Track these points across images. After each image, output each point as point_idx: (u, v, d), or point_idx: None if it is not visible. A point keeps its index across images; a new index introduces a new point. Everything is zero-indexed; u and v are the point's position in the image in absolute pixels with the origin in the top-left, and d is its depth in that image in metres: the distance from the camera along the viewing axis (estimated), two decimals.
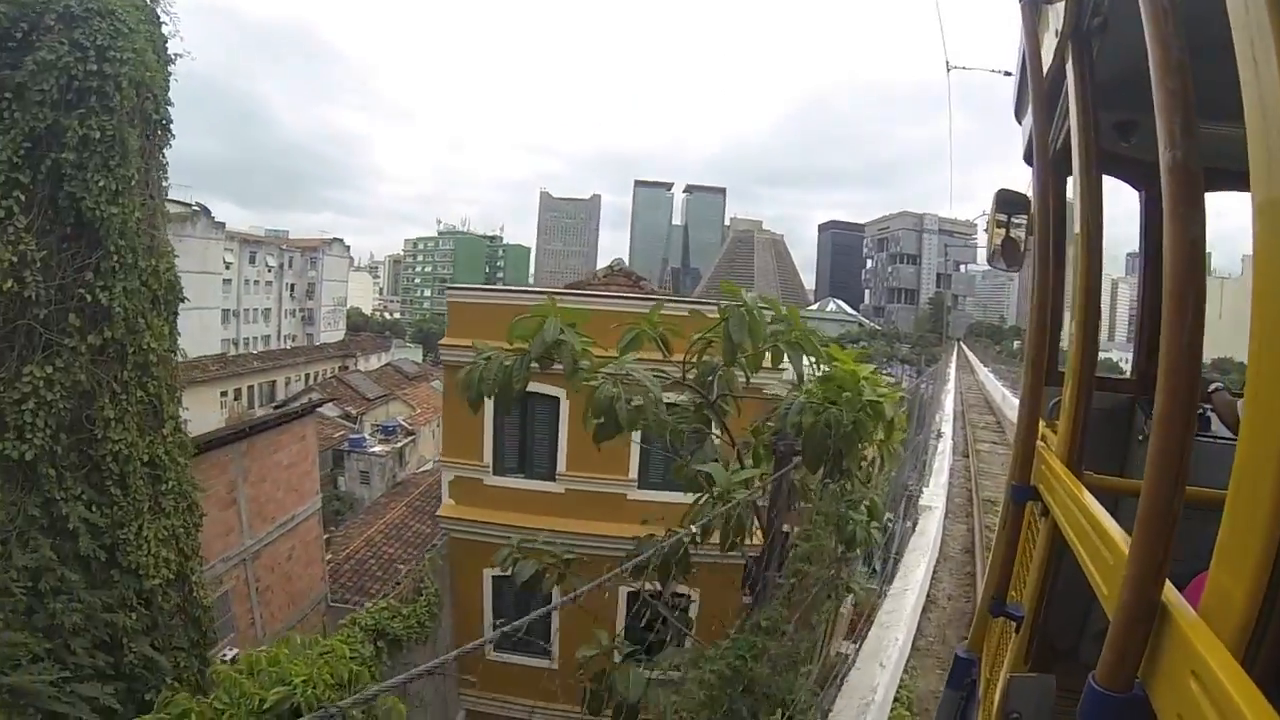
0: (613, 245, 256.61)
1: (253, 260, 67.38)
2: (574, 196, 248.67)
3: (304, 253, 74.00)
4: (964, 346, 69.34)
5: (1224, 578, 0.96)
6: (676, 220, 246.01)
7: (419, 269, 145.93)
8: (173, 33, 9.08)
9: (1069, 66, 2.14)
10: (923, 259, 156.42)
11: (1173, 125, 1.04)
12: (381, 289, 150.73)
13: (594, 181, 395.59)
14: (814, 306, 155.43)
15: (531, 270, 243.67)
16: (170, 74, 9.09)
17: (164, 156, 9.26)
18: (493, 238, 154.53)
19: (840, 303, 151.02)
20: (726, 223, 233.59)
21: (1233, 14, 0.91)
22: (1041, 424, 2.60)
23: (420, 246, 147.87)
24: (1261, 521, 0.86)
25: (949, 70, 16.39)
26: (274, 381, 50.07)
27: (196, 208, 65.03)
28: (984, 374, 38.01)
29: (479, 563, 14.08)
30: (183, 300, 9.57)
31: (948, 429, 18.73)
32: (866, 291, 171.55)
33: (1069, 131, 2.21)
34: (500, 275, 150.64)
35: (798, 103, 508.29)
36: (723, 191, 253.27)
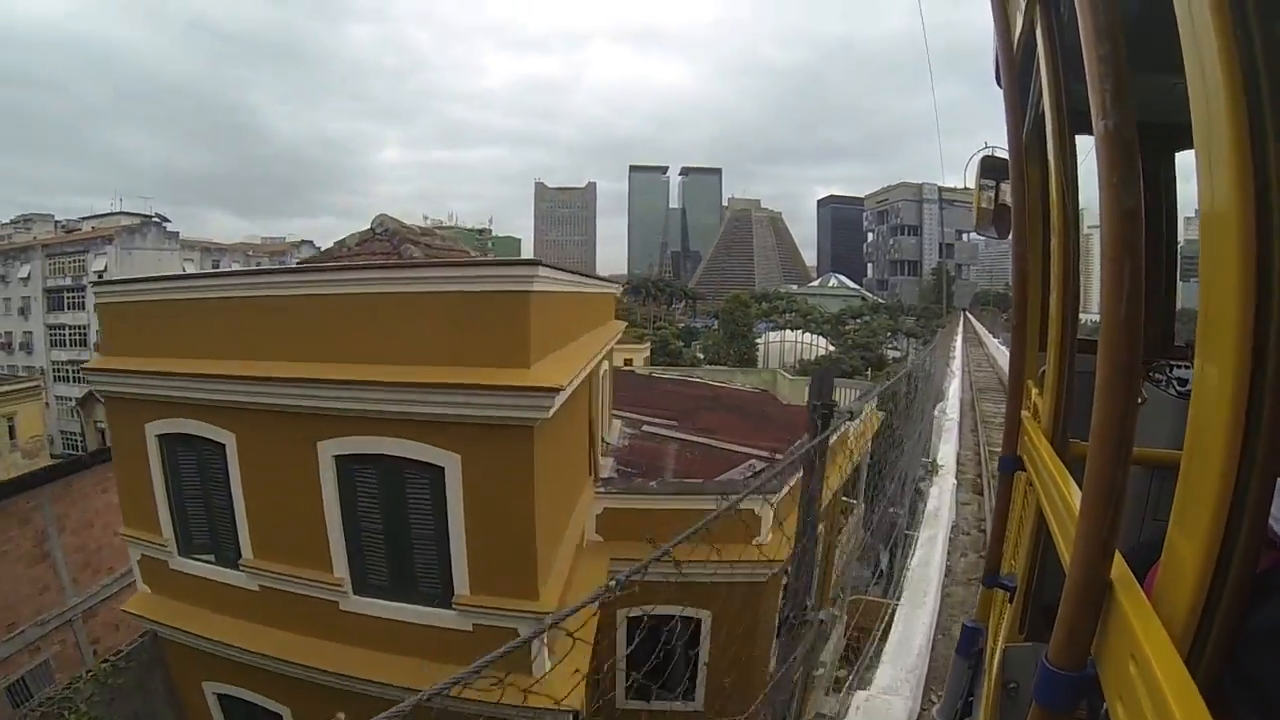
0: (611, 232, 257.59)
1: (215, 268, 65.38)
2: (569, 186, 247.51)
3: (272, 257, 71.55)
4: (970, 316, 66.76)
5: (1180, 542, 0.95)
6: (674, 203, 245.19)
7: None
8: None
9: (1038, 30, 2.06)
10: (924, 229, 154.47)
11: (1104, 93, 1.03)
12: None
13: (590, 170, 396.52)
14: (815, 282, 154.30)
15: None
16: None
17: None
18: (481, 231, 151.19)
19: (842, 277, 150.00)
20: (724, 203, 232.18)
21: None
22: (1034, 392, 2.53)
23: None
24: (1214, 477, 0.86)
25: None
26: None
27: (156, 219, 63.55)
28: (994, 346, 35.14)
29: (196, 673, 9.64)
30: None
31: (948, 451, 12.44)
32: (869, 265, 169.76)
33: (1042, 96, 2.17)
34: None
35: (792, 78, 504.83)
36: (718, 172, 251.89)
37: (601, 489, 11.64)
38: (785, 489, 11.07)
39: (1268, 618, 1.01)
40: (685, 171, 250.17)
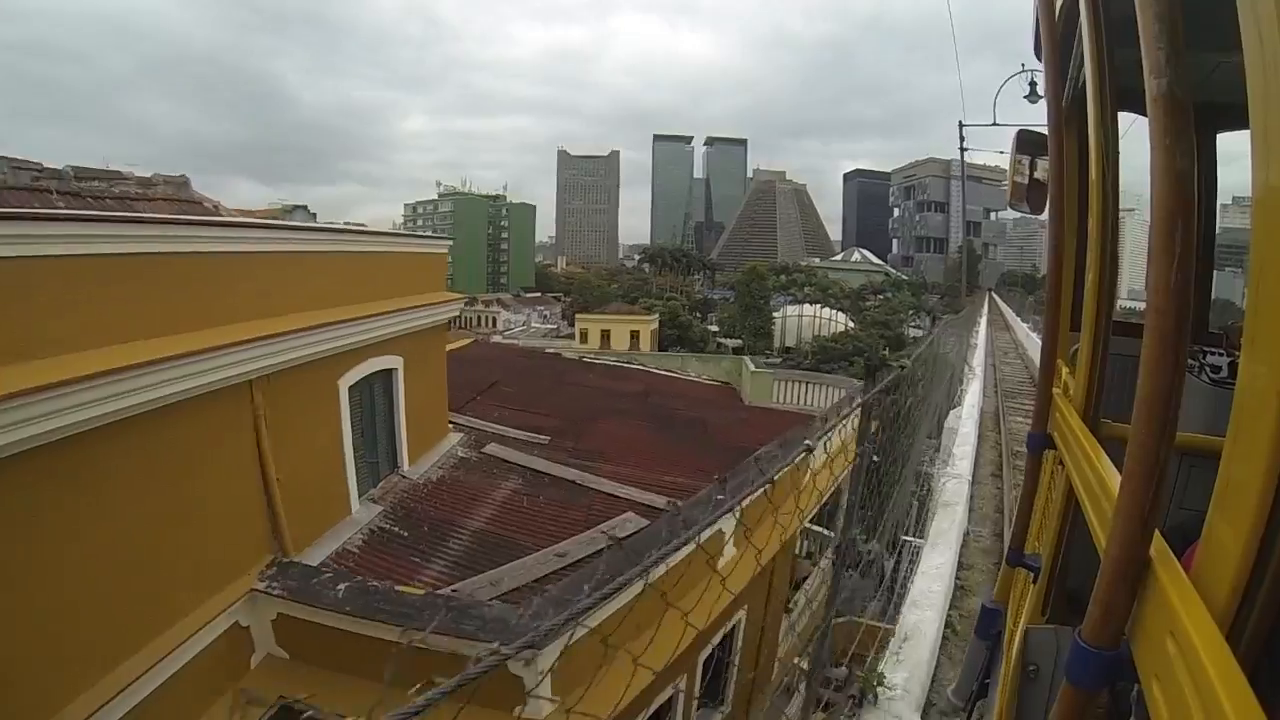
0: (634, 202, 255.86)
1: None
2: (593, 154, 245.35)
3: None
4: (995, 297, 64.28)
5: (1221, 527, 0.94)
6: (698, 174, 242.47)
7: (420, 234, 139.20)
8: None
9: (1082, 2, 1.98)
10: (951, 206, 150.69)
11: (1157, 52, 1.02)
12: None
13: (616, 140, 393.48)
14: (838, 257, 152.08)
15: (551, 230, 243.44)
16: None
17: None
18: (495, 197, 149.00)
19: (865, 252, 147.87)
20: (749, 175, 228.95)
21: None
22: (1065, 371, 2.54)
23: (420, 210, 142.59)
24: (1259, 467, 0.84)
25: None
26: None
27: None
28: (1023, 332, 30.50)
29: None
30: None
31: (951, 524, 7.27)
32: (894, 241, 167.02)
33: (1084, 69, 2.08)
34: (505, 236, 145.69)
35: (821, 51, 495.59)
36: (744, 143, 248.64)
37: (263, 582, 6.55)
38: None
39: None
40: (710, 142, 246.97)
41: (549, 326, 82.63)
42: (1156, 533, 1.06)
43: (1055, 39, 2.40)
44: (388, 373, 9.66)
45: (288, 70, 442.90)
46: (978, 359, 16.55)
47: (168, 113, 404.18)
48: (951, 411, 12.47)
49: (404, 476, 9.84)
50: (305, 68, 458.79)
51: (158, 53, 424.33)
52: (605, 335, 65.39)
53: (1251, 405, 0.89)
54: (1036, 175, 3.12)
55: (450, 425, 11.82)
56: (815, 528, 13.38)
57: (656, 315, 67.51)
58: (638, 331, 65.30)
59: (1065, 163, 2.50)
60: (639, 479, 10.84)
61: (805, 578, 12.46)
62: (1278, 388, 0.82)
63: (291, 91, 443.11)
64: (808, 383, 19.71)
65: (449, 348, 12.55)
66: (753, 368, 20.15)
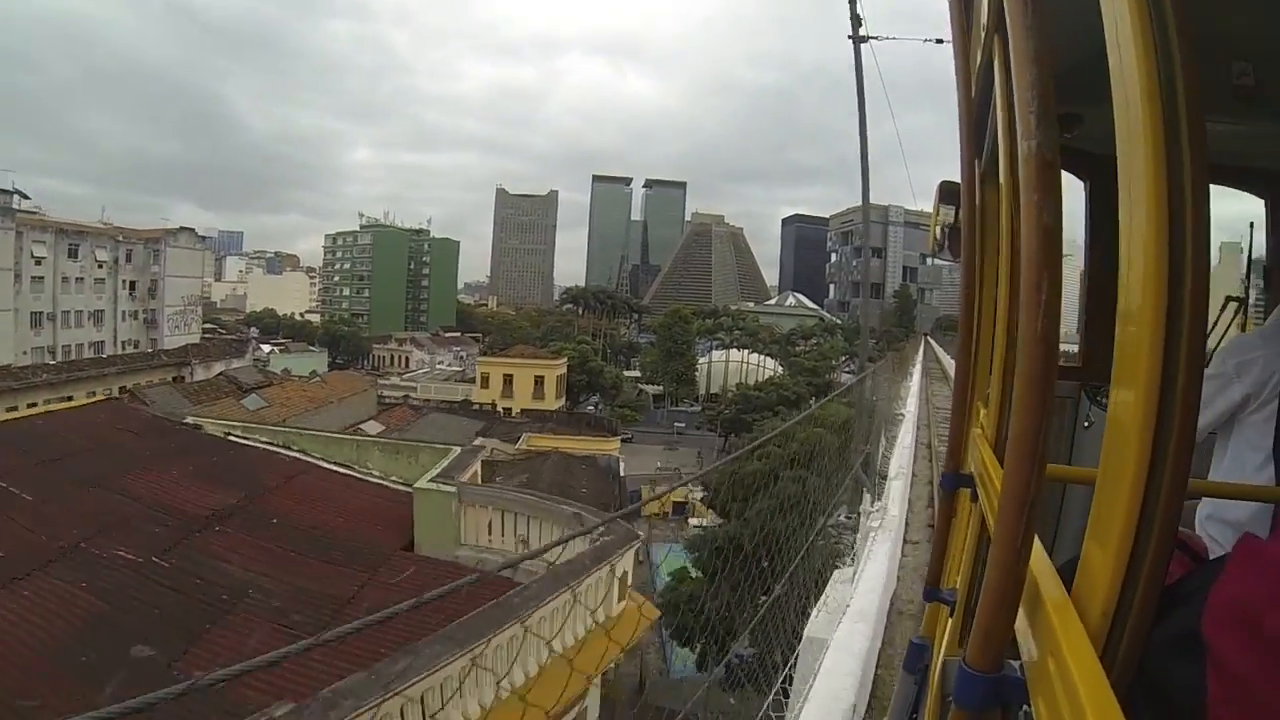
0: (572, 243, 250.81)
1: (73, 254, 56.11)
2: (532, 193, 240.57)
3: (146, 245, 62.36)
4: (931, 342, 60.05)
5: (1094, 549, 1.02)
6: (636, 216, 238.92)
7: (338, 266, 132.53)
8: None
9: (996, 60, 2.07)
10: (888, 252, 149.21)
11: (1029, 116, 1.08)
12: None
13: (559, 181, 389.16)
14: (772, 301, 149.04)
15: (487, 269, 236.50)
16: None
17: None
18: (418, 231, 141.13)
19: (800, 296, 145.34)
20: (688, 218, 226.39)
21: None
22: (982, 411, 2.63)
23: (339, 242, 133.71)
24: (1125, 492, 0.92)
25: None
26: (70, 397, 40.15)
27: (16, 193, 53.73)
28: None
29: None
30: None
31: None
32: (831, 286, 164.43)
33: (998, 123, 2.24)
34: (426, 272, 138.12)
35: (763, 99, 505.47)
36: (683, 186, 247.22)
37: None
38: None
39: (1173, 625, 1.07)
40: (649, 184, 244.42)
41: (454, 369, 75.13)
42: (1046, 559, 1.15)
43: (971, 99, 2.57)
44: None
45: (237, 93, 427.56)
46: (907, 443, 10.59)
47: (112, 127, 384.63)
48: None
49: None
50: (255, 92, 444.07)
51: (106, 64, 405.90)
52: (508, 380, 58.96)
53: (1118, 435, 0.98)
54: (959, 224, 3.13)
55: None
56: None
57: (564, 360, 61.02)
58: (542, 377, 58.92)
59: (984, 211, 2.66)
60: None
61: None
62: (1139, 419, 0.90)
63: (240, 115, 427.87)
64: (517, 513, 10.83)
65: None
66: (427, 480, 10.48)
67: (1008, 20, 1.25)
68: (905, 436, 10.55)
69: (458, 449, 10.85)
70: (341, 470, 10.60)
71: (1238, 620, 0.99)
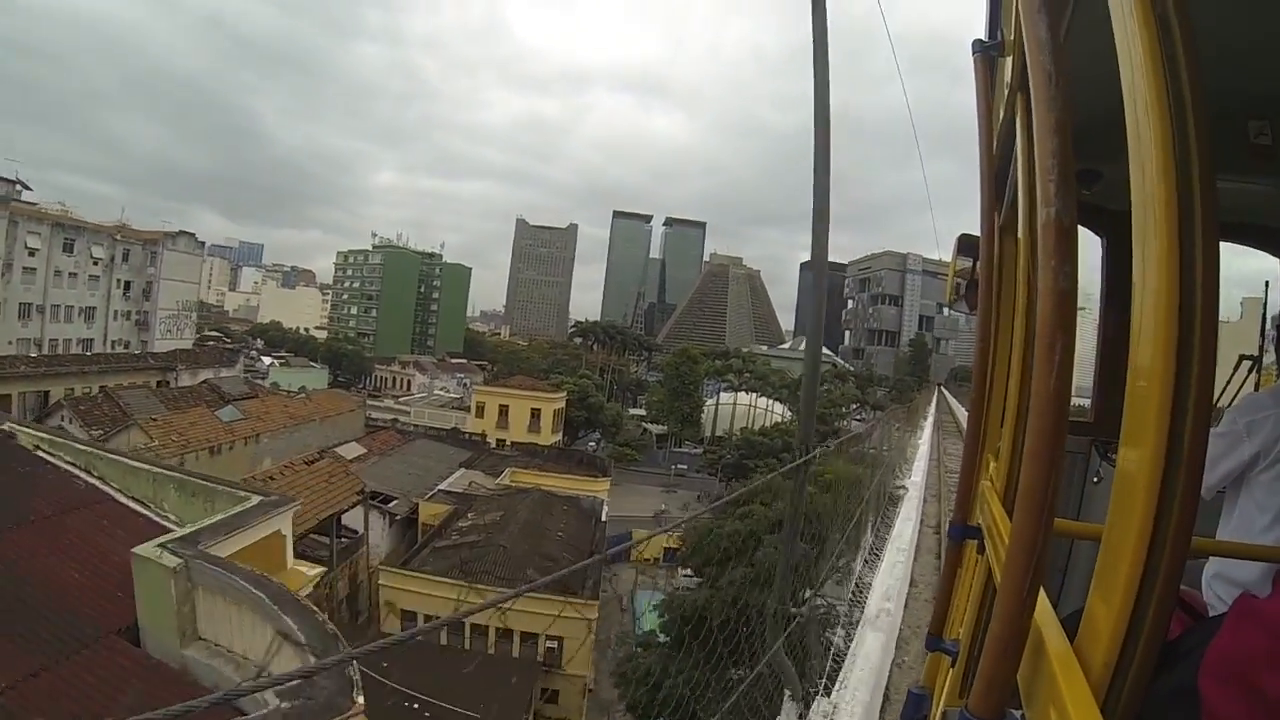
0: (589, 278, 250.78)
1: (69, 249, 54.99)
2: (551, 225, 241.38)
3: (145, 246, 61.39)
4: (945, 392, 58.27)
5: (1098, 603, 1.04)
6: (654, 254, 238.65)
7: (348, 284, 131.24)
8: None
9: (1018, 119, 2.14)
10: (905, 300, 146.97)
11: (1048, 184, 1.12)
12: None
13: (578, 214, 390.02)
14: (785, 345, 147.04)
15: (503, 298, 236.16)
16: None
17: None
18: (431, 255, 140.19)
19: None
20: (706, 258, 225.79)
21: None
22: (992, 464, 2.65)
23: (351, 260, 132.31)
24: (1130, 547, 0.95)
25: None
26: (47, 392, 39.82)
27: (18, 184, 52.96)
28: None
29: None
30: None
31: None
32: (846, 333, 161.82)
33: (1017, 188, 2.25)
34: (436, 296, 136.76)
35: (786, 142, 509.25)
36: (702, 226, 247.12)
37: None
38: None
39: (1172, 680, 1.10)
40: (669, 222, 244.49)
41: (454, 396, 73.22)
42: (1050, 611, 1.16)
43: (992, 155, 2.60)
44: None
45: (265, 108, 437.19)
46: (913, 511, 8.58)
47: (141, 131, 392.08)
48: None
49: None
50: (283, 108, 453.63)
51: (138, 67, 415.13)
52: (504, 411, 56.92)
53: (1124, 491, 0.99)
54: (976, 277, 3.19)
55: None
56: None
57: (563, 394, 58.97)
58: (539, 410, 56.84)
59: (1003, 265, 2.67)
60: None
61: None
62: (1146, 476, 0.93)
63: (267, 129, 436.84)
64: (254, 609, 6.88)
65: None
66: (157, 544, 6.69)
67: (1031, 91, 1.28)
68: (905, 530, 8.05)
69: (256, 498, 7.86)
70: (138, 508, 8.27)
71: (1232, 676, 1.04)
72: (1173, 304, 0.91)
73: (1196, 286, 0.90)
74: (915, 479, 11.68)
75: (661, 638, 19.11)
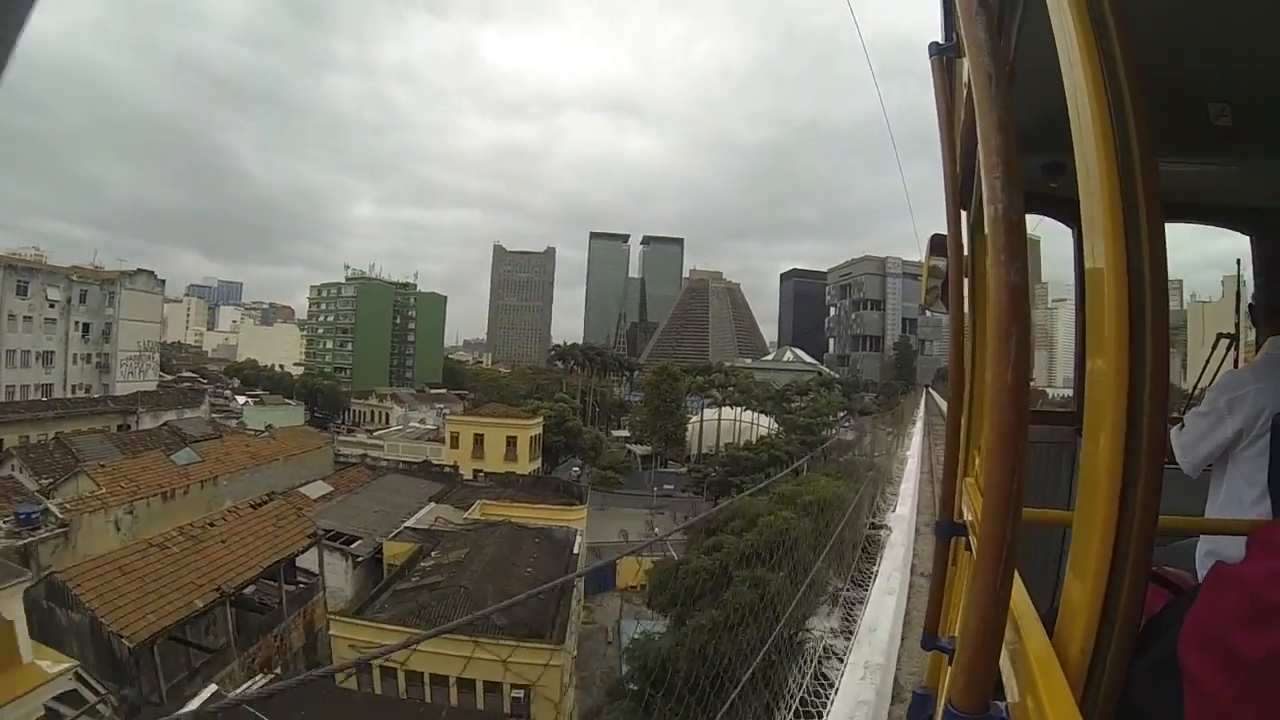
0: (570, 301, 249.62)
1: (22, 291, 53.18)
2: (529, 250, 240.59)
3: (102, 286, 59.64)
4: (933, 394, 57.31)
5: (1073, 586, 1.09)
6: (634, 273, 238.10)
7: (322, 319, 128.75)
8: None
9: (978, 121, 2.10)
10: (887, 304, 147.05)
11: (994, 181, 1.13)
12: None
13: (557, 238, 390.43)
14: (769, 356, 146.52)
15: (484, 326, 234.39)
16: None
17: None
18: (404, 285, 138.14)
19: (798, 351, 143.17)
20: (686, 274, 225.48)
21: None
22: (978, 459, 2.72)
23: (324, 294, 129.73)
24: (1099, 529, 0.99)
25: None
26: (0, 440, 38.85)
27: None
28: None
29: None
30: None
31: None
32: (830, 340, 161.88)
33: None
34: (412, 327, 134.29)
35: (761, 155, 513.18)
36: (680, 242, 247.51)
37: None
38: None
39: (1152, 654, 1.13)
40: (647, 240, 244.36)
41: (430, 428, 71.33)
42: (1027, 602, 1.20)
43: (955, 152, 2.65)
44: None
45: (241, 145, 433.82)
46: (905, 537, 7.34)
47: (117, 175, 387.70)
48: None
49: None
50: (260, 143, 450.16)
51: (114, 110, 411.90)
52: (479, 440, 55.26)
53: (1090, 475, 1.03)
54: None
55: None
56: None
57: (539, 420, 57.37)
58: (515, 437, 55.20)
59: (975, 262, 2.72)
60: None
61: None
62: (1108, 458, 0.97)
63: (245, 167, 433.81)
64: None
65: None
66: None
67: (974, 91, 1.30)
68: (888, 584, 6.81)
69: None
70: None
71: (1210, 643, 1.05)
72: (1121, 286, 0.92)
73: (1144, 266, 0.92)
74: (904, 510, 10.13)
75: (632, 685, 17.53)
